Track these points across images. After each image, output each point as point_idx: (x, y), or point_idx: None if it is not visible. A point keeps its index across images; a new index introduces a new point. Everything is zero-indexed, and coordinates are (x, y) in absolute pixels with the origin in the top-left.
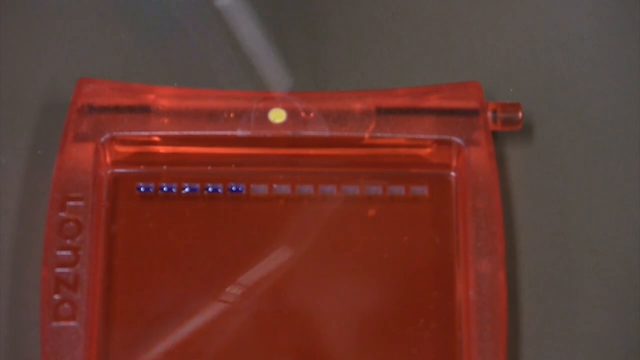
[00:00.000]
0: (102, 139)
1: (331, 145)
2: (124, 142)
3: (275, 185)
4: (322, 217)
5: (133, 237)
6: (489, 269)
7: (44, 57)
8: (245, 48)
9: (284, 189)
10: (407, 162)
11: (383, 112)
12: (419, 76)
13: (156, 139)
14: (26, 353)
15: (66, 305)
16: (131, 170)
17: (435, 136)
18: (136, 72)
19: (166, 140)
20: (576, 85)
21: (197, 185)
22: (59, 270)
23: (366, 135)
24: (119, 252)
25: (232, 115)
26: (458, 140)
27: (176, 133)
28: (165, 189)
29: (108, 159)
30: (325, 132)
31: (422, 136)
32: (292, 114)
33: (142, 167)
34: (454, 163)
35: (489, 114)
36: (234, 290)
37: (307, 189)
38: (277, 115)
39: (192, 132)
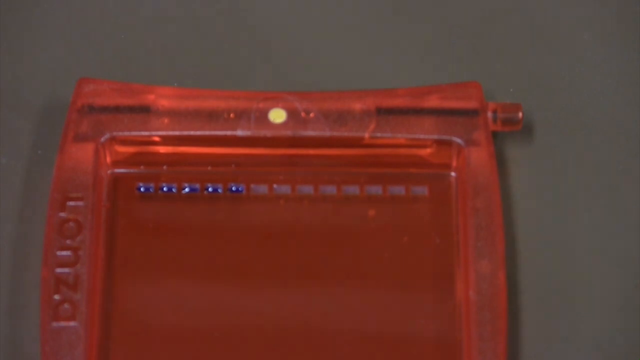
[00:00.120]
0: (102, 139)
1: (331, 145)
2: (124, 142)
3: (275, 185)
4: (322, 217)
5: (133, 237)
6: (489, 269)
7: (44, 57)
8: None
9: (284, 189)
10: (407, 162)
11: (383, 112)
12: (419, 76)
13: (156, 139)
14: (26, 353)
15: (66, 305)
16: (131, 170)
17: (435, 136)
18: (136, 72)
19: (166, 140)
20: (576, 85)
21: (197, 185)
22: (59, 270)
23: (366, 135)
24: (119, 252)
25: (232, 115)
26: (458, 140)
27: (176, 133)
28: (165, 189)
29: (108, 159)
30: (325, 132)
31: (422, 136)
32: (292, 114)
33: (142, 167)
34: (454, 163)
35: (489, 114)
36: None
37: (307, 189)
38: (277, 115)
39: (192, 132)
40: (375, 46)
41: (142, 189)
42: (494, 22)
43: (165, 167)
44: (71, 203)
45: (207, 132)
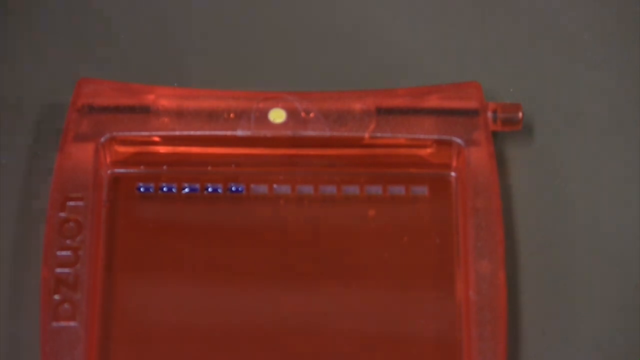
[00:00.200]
0: (102, 139)
1: (331, 145)
2: (124, 142)
3: (275, 186)
4: (322, 217)
5: (133, 237)
6: (489, 269)
7: (44, 57)
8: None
9: (284, 189)
10: (407, 162)
11: (383, 112)
12: (419, 76)
13: (156, 139)
14: (26, 353)
15: (66, 305)
16: (131, 170)
17: (435, 136)
18: (136, 72)
19: (166, 140)
20: (576, 85)
21: (197, 186)
22: (59, 270)
23: (366, 135)
24: (119, 252)
25: (232, 115)
26: (458, 140)
27: (176, 133)
28: (165, 189)
29: (108, 159)
30: (325, 132)
31: (422, 136)
32: (292, 114)
33: (142, 167)
34: (454, 163)
35: (489, 114)
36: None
37: (307, 189)
38: (277, 115)
39: (192, 132)
40: (375, 46)
41: (142, 189)
42: (495, 21)
43: (165, 167)
44: (71, 203)
45: (207, 132)
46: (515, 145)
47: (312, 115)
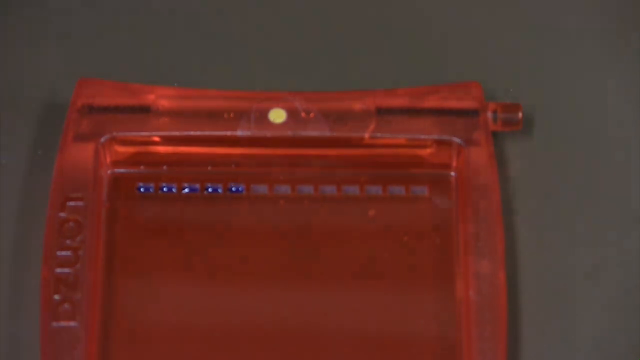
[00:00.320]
0: (102, 139)
1: (331, 146)
2: (124, 142)
3: (275, 186)
4: (322, 217)
5: (133, 237)
6: (489, 269)
7: (44, 57)
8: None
9: (284, 189)
10: (407, 162)
11: (383, 112)
12: (419, 76)
13: (156, 139)
14: (26, 353)
15: (66, 305)
16: (131, 170)
17: (435, 136)
18: (136, 72)
19: (166, 141)
20: (576, 85)
21: (197, 186)
22: (59, 270)
23: (366, 135)
24: (119, 252)
25: (232, 115)
26: (458, 140)
27: (176, 133)
28: (165, 189)
29: (108, 159)
30: (325, 132)
31: (422, 136)
32: (292, 114)
33: (142, 167)
34: (454, 163)
35: (489, 114)
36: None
37: (307, 189)
38: (277, 115)
39: (192, 132)
40: (376, 46)
41: (142, 189)
42: (494, 21)
43: (165, 167)
44: (71, 203)
45: (207, 132)
46: (515, 145)
47: (312, 115)
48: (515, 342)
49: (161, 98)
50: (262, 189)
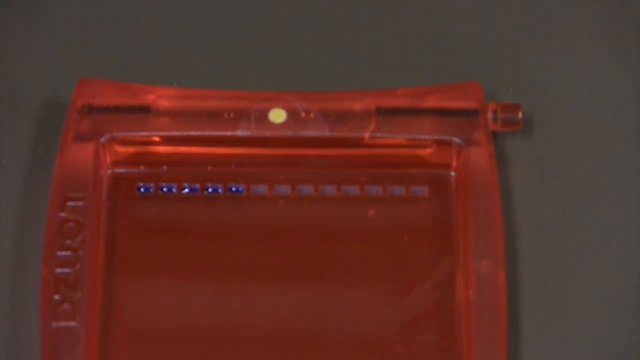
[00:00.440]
0: (102, 139)
1: (331, 146)
2: (124, 142)
3: (275, 185)
4: (322, 217)
5: (133, 237)
6: (489, 269)
7: (44, 57)
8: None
9: (284, 189)
10: (407, 162)
11: (383, 112)
12: (419, 76)
13: (156, 139)
14: (26, 353)
15: (66, 305)
16: (131, 170)
17: (435, 136)
18: (136, 72)
19: (166, 141)
20: (576, 85)
21: (197, 186)
22: (59, 270)
23: (366, 135)
24: (119, 252)
25: (232, 115)
26: (458, 140)
27: (176, 133)
28: (165, 189)
29: (108, 159)
30: (325, 132)
31: (422, 136)
32: (292, 114)
33: (142, 167)
34: (454, 163)
35: (489, 114)
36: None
37: (307, 189)
38: (277, 115)
39: (192, 133)
40: (375, 46)
41: (142, 189)
42: (494, 22)
43: (165, 167)
44: (71, 203)
45: (207, 132)
46: (515, 145)
47: (312, 115)
48: (515, 342)
49: (161, 98)
50: (262, 189)
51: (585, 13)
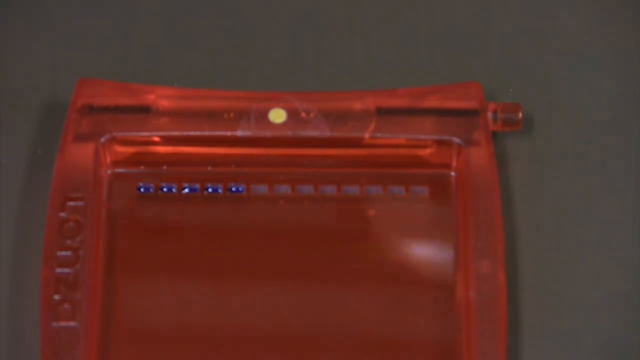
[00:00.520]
0: (102, 139)
1: (331, 146)
2: (124, 142)
3: (275, 186)
4: (322, 217)
5: (133, 237)
6: (489, 269)
7: (44, 57)
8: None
9: (284, 189)
10: (407, 162)
11: (383, 112)
12: (419, 76)
13: (156, 139)
14: (26, 353)
15: (66, 305)
16: (131, 170)
17: (435, 136)
18: (136, 72)
19: (166, 141)
20: (576, 85)
21: (197, 186)
22: (59, 270)
23: (366, 135)
24: (119, 252)
25: (232, 115)
26: (458, 140)
27: (176, 133)
28: (165, 189)
29: (108, 159)
30: (325, 132)
31: (422, 136)
32: (292, 114)
33: (142, 167)
34: (454, 163)
35: (489, 114)
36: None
37: (307, 189)
38: (277, 116)
39: (192, 132)
40: (375, 46)
41: (142, 189)
42: (494, 22)
43: (165, 167)
44: (71, 203)
45: (207, 132)
46: (515, 145)
47: (312, 115)
48: (515, 342)
49: (161, 98)
50: (262, 189)
51: (585, 13)
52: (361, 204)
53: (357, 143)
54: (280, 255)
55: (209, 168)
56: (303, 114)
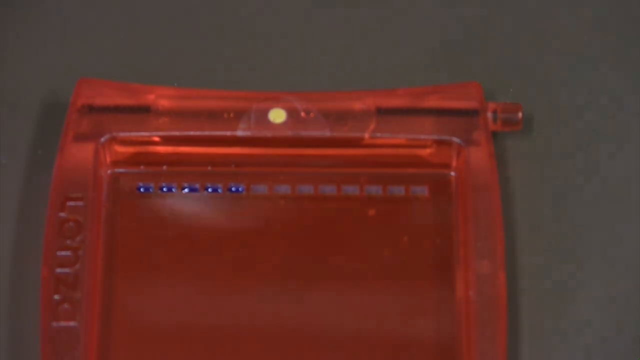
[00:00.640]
0: (102, 139)
1: (331, 145)
2: (124, 142)
3: (275, 186)
4: (322, 217)
5: (133, 237)
6: (489, 269)
7: (44, 57)
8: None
9: (284, 189)
10: (407, 162)
11: (383, 112)
12: (419, 76)
13: (156, 139)
14: (26, 353)
15: (66, 305)
16: (131, 170)
17: (435, 136)
18: (136, 72)
19: (166, 140)
20: (576, 85)
21: (197, 186)
22: (59, 270)
23: (366, 135)
24: (119, 252)
25: (232, 115)
26: (458, 140)
27: (176, 133)
28: (165, 189)
29: (108, 159)
30: (325, 132)
31: (422, 136)
32: (292, 114)
33: (142, 167)
34: (454, 163)
35: (489, 114)
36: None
37: (307, 189)
38: (277, 115)
39: (192, 132)
40: (375, 46)
41: (142, 189)
42: (494, 22)
43: (165, 167)
44: (71, 203)
45: (207, 132)
46: (515, 145)
47: (312, 115)
48: (515, 342)
49: (161, 98)
50: (262, 189)
51: (585, 13)
52: (361, 203)
53: (357, 143)
54: (280, 255)
55: (209, 168)
56: (303, 114)
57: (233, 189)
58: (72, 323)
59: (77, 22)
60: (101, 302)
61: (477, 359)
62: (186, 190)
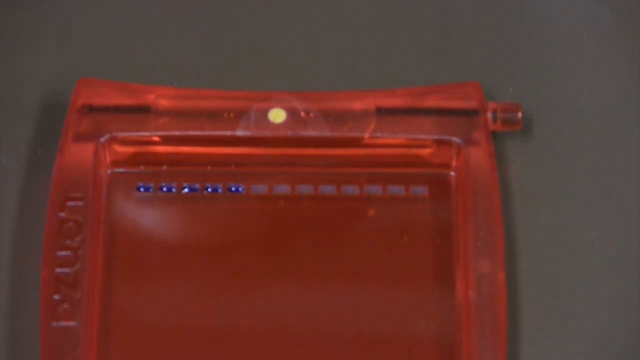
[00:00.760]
0: (102, 139)
1: (331, 145)
2: (124, 142)
3: (275, 186)
4: (322, 217)
5: (133, 237)
6: (489, 269)
7: (44, 57)
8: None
9: (284, 189)
10: (407, 162)
11: (383, 112)
12: (419, 76)
13: (156, 139)
14: (26, 353)
15: (66, 305)
16: (131, 170)
17: (435, 136)
18: (136, 72)
19: (166, 140)
20: (576, 85)
21: (197, 185)
22: (59, 270)
23: (366, 135)
24: (119, 252)
25: (232, 115)
26: (458, 140)
27: (176, 133)
28: (165, 189)
29: (108, 159)
30: (325, 132)
31: (422, 136)
32: (292, 114)
33: (142, 167)
34: (454, 163)
35: (489, 114)
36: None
37: (307, 189)
38: (277, 115)
39: (192, 132)
40: (375, 46)
41: (142, 189)
42: (494, 21)
43: (165, 167)
44: (71, 203)
45: (207, 132)
46: (515, 145)
47: (312, 115)
48: (515, 342)
49: (161, 98)
50: (262, 189)
51: (585, 13)
52: (361, 203)
53: (356, 143)
54: (279, 255)
55: (209, 168)
56: (303, 114)
57: (233, 189)
58: (71, 323)
59: (77, 22)
60: (101, 302)
61: (476, 359)
62: (186, 190)
